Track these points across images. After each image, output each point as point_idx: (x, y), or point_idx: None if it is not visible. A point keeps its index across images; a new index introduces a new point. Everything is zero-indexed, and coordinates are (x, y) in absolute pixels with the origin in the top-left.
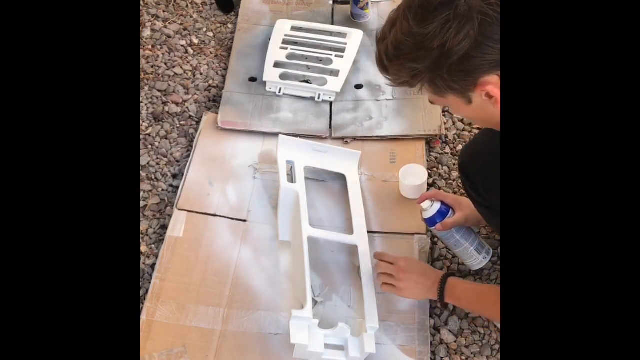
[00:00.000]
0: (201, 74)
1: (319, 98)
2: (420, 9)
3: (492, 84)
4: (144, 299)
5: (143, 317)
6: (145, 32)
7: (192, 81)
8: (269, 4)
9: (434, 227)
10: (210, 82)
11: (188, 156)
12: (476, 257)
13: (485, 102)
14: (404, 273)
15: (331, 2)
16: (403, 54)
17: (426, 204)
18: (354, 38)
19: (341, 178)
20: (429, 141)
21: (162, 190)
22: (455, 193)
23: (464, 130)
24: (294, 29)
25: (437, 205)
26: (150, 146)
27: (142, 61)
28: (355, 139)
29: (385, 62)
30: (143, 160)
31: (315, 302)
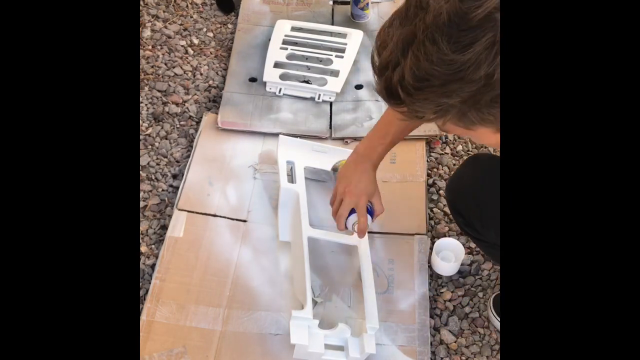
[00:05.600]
0: (201, 74)
1: (319, 98)
2: (453, 27)
3: None
4: (144, 299)
5: (143, 317)
6: (145, 33)
7: (192, 81)
8: (269, 4)
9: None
10: (210, 82)
11: (188, 156)
12: None
13: None
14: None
15: (331, 3)
16: (430, 87)
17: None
18: (354, 38)
19: None
20: (429, 141)
21: (162, 190)
22: None
23: None
24: (294, 29)
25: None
26: (150, 146)
27: (142, 61)
28: (356, 139)
29: (402, 95)
30: (143, 161)
31: (315, 303)
